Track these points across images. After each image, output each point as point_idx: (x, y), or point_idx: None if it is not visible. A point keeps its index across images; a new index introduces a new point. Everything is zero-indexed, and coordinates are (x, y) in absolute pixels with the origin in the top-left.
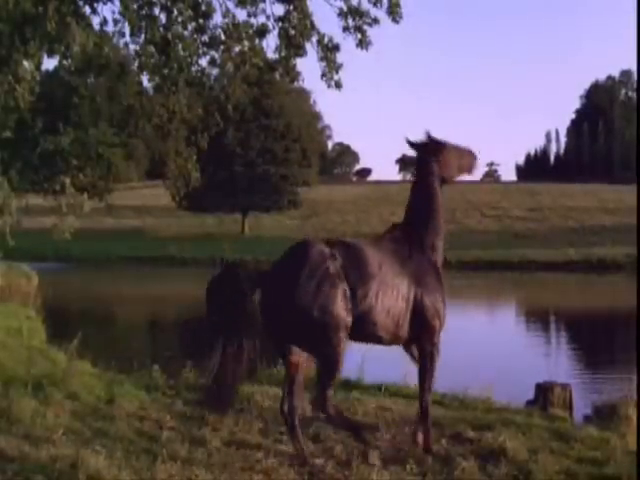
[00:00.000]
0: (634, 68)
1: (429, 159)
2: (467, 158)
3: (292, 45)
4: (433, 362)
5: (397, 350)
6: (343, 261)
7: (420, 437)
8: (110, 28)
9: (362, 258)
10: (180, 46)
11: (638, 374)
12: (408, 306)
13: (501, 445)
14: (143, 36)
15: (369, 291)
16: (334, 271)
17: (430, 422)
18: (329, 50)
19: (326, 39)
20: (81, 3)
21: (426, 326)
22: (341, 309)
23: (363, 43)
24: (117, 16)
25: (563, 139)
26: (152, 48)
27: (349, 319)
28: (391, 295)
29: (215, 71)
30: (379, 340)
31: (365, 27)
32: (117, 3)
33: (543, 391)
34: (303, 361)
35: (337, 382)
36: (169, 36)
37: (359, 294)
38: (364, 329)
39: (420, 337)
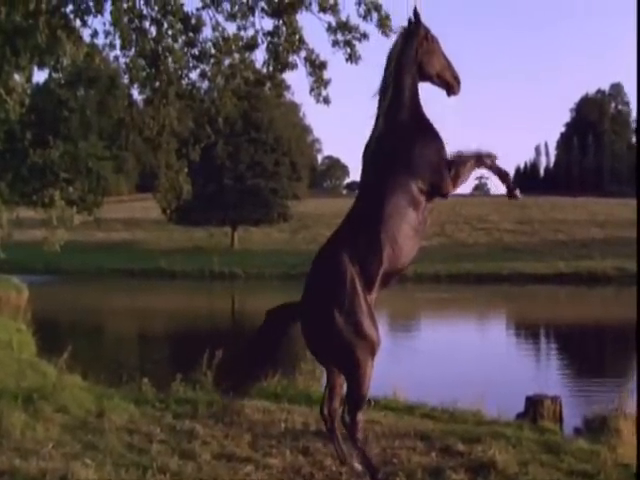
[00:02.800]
0: (624, 82)
1: (412, 38)
2: (450, 69)
3: (280, 61)
4: None
5: (385, 365)
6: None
7: None
8: (101, 41)
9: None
10: (170, 59)
11: (638, 386)
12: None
13: (491, 458)
14: (133, 49)
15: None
16: (360, 287)
17: None
18: (317, 67)
19: (314, 56)
20: (71, 16)
21: None
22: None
23: (353, 57)
24: (108, 28)
25: (553, 152)
26: (142, 61)
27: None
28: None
29: (205, 84)
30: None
31: (354, 42)
32: (108, 16)
33: (533, 404)
34: None
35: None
36: (159, 49)
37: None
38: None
39: None
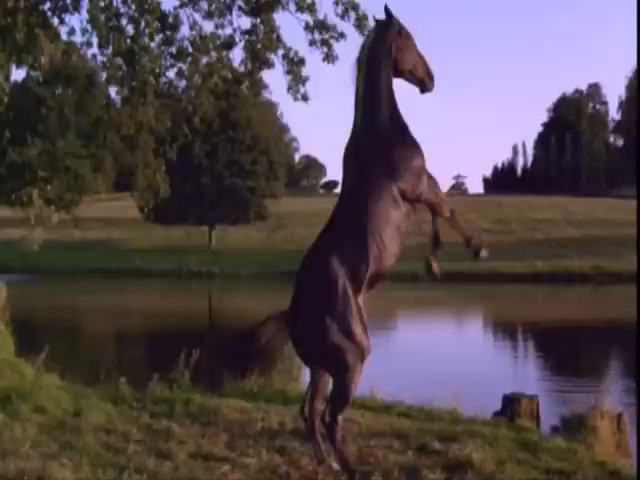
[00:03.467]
0: (602, 82)
1: (386, 36)
2: (424, 65)
3: (257, 59)
4: None
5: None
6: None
7: None
8: (78, 39)
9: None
10: (146, 58)
11: (638, 385)
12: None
13: (468, 456)
14: (111, 48)
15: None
16: (350, 292)
17: None
18: (295, 64)
19: (292, 53)
20: (49, 14)
21: None
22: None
23: (329, 57)
24: (85, 25)
25: (530, 152)
26: (119, 60)
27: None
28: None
29: (183, 83)
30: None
31: (331, 41)
32: (85, 14)
33: (510, 402)
34: None
35: (303, 395)
36: (135, 48)
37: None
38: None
39: None
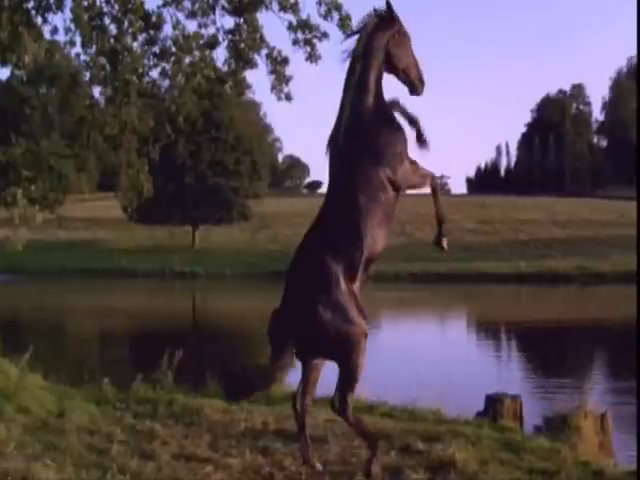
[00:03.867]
0: (585, 82)
1: (382, 30)
2: (417, 68)
3: (241, 59)
4: None
5: None
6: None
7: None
8: (61, 38)
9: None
10: (129, 57)
11: (638, 385)
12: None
13: (451, 457)
14: (94, 47)
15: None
16: (344, 281)
17: None
18: (278, 63)
19: (275, 52)
20: (33, 12)
21: None
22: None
23: (312, 57)
24: (68, 24)
25: (514, 152)
26: (103, 59)
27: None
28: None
29: (166, 82)
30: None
31: (315, 41)
32: (68, 13)
33: (493, 402)
34: (322, 362)
35: (286, 396)
36: (118, 47)
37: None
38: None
39: None
